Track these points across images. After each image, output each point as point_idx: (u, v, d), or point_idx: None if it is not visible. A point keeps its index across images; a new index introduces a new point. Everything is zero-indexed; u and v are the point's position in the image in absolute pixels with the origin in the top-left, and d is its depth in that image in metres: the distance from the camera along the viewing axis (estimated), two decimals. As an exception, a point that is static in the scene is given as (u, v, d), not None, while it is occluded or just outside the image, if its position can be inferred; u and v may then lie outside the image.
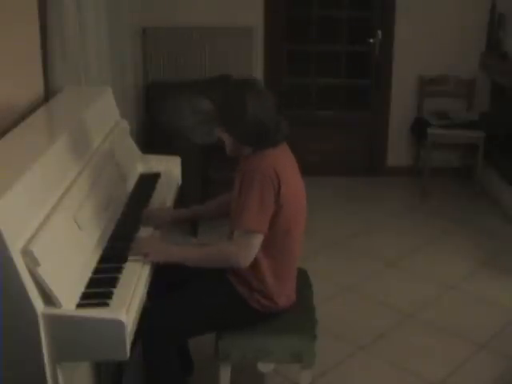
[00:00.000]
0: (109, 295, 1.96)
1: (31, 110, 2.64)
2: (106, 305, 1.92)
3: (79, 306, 1.91)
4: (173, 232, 2.81)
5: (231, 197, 2.39)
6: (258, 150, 2.28)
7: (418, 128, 5.06)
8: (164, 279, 2.43)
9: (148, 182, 2.92)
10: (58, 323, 1.82)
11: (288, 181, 2.25)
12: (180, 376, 2.43)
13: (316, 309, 2.59)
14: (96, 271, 2.11)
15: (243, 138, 2.26)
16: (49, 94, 2.91)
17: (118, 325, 1.83)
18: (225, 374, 2.41)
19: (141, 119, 4.58)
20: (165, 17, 4.86)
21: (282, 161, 2.30)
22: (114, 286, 2.02)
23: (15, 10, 2.60)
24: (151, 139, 4.42)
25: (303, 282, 2.67)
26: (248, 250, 2.22)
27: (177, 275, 2.47)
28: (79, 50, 3.12)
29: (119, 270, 2.12)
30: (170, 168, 3.07)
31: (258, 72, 5.02)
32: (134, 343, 1.97)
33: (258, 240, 2.22)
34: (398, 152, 5.33)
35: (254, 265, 2.28)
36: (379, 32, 5.05)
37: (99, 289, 1.99)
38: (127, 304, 1.94)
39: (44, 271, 1.79)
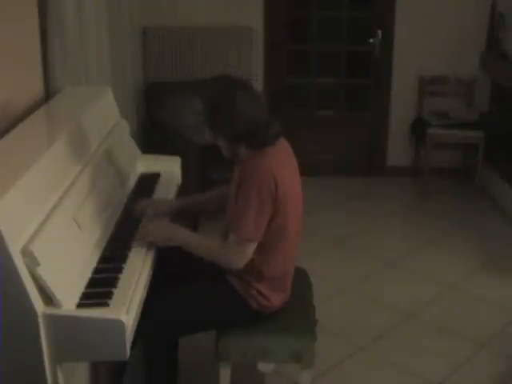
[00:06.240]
0: (109, 295, 1.96)
1: (31, 110, 2.64)
2: (106, 305, 1.92)
3: (79, 306, 1.91)
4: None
5: (228, 196, 2.38)
6: (255, 149, 2.26)
7: (418, 128, 5.06)
8: (164, 278, 2.43)
9: (148, 182, 2.92)
10: (58, 323, 1.82)
11: (286, 183, 2.24)
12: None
13: (316, 309, 2.59)
14: (96, 271, 2.11)
15: (234, 137, 2.25)
16: (49, 94, 2.91)
17: (118, 325, 1.83)
18: (225, 374, 2.41)
19: (141, 119, 4.58)
20: (165, 17, 4.86)
21: (281, 161, 2.28)
22: (114, 286, 2.02)
23: (15, 10, 2.60)
24: (151, 139, 4.42)
25: (303, 281, 2.67)
26: (241, 256, 2.26)
27: (176, 274, 2.48)
28: (79, 50, 3.12)
29: (119, 269, 2.12)
30: (170, 168, 3.07)
31: (258, 72, 5.01)
32: (133, 343, 1.97)
33: (252, 247, 2.25)
34: (398, 152, 5.33)
35: (250, 264, 2.29)
36: (379, 32, 5.05)
37: (99, 289, 2.00)
38: (127, 304, 1.94)
39: (44, 271, 1.79)
